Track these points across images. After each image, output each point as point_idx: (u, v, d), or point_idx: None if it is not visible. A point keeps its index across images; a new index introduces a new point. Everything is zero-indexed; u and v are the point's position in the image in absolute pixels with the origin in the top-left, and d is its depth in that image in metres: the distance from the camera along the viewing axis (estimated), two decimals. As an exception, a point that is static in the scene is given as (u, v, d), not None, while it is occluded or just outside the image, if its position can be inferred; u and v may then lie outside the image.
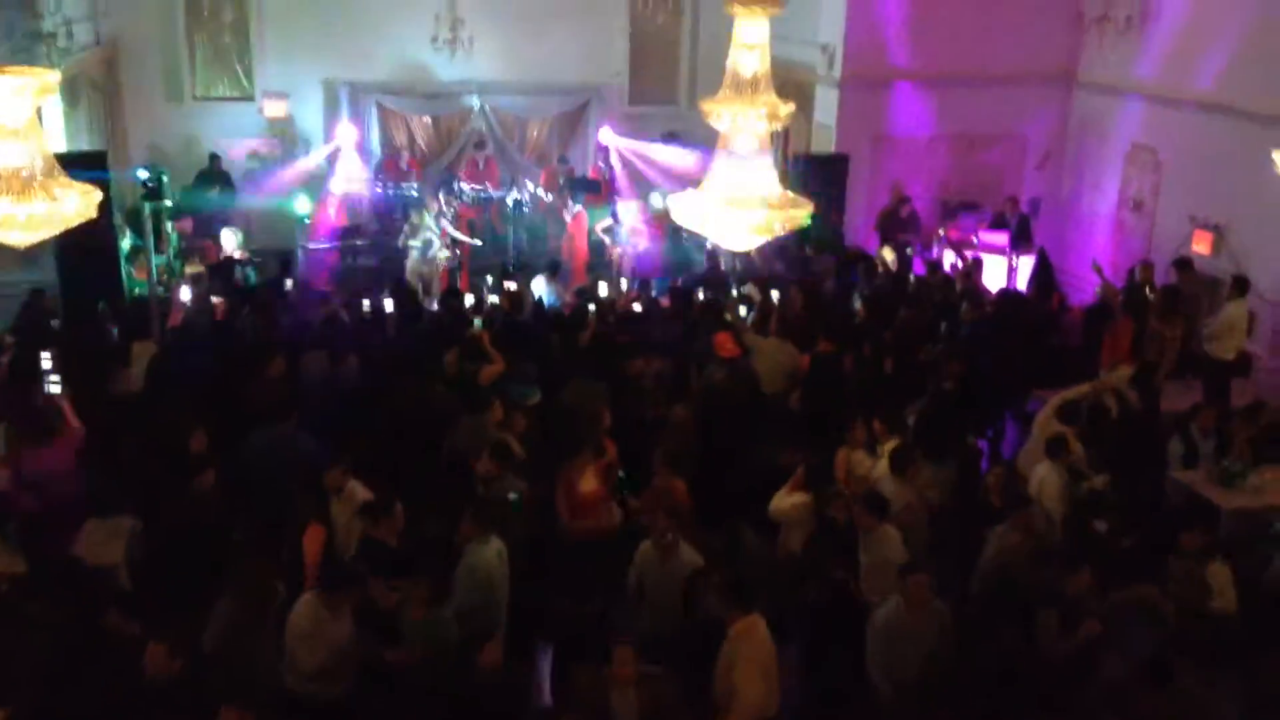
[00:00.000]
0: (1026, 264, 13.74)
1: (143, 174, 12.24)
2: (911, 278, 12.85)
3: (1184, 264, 11.70)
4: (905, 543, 6.80)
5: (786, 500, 7.22)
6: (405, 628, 6.01)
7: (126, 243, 12.64)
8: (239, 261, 12.96)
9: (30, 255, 9.55)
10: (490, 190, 16.05)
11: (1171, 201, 13.33)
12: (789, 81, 15.26)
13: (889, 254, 13.53)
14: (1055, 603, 6.24)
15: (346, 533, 6.78)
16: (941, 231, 14.46)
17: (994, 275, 13.38)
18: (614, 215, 15.06)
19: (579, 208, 15.07)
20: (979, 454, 9.20)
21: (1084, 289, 13.77)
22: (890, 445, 7.74)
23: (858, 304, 11.45)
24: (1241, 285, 10.82)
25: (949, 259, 13.81)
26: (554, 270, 12.82)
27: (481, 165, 16.56)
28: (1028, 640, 6.29)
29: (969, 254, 13.38)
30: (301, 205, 14.89)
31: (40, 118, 5.64)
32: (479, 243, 14.84)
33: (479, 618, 6.35)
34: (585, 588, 7.00)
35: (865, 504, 6.78)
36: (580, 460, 7.56)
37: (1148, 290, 11.58)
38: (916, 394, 9.08)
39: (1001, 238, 14.02)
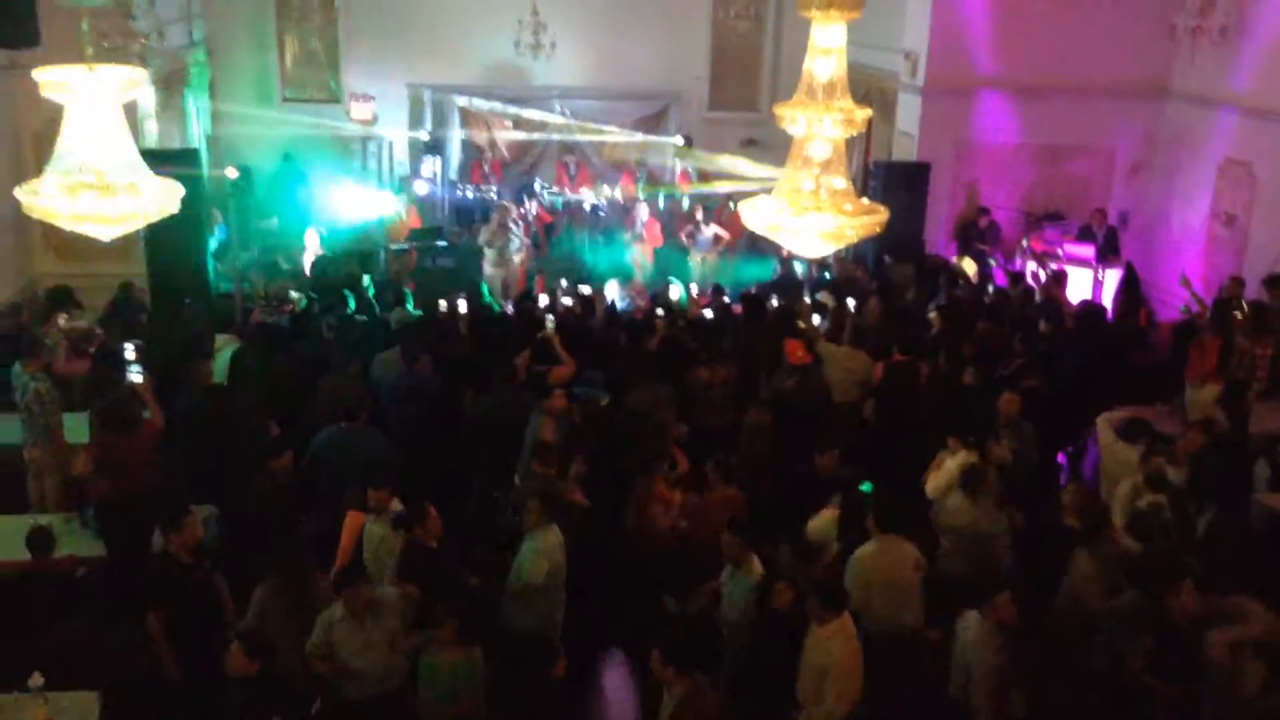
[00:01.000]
0: (1113, 278, 13.39)
1: (233, 172, 12.57)
2: (991, 289, 12.61)
3: (1276, 281, 11.29)
4: (976, 566, 6.64)
5: (819, 521, 7.10)
6: (424, 670, 5.95)
7: (214, 240, 12.97)
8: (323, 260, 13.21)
9: (120, 248, 9.86)
10: (569, 194, 16.16)
11: (1265, 217, 12.87)
12: (871, 88, 15.15)
13: (970, 265, 13.30)
14: (1144, 631, 5.96)
15: (379, 556, 6.70)
16: (1025, 243, 14.17)
17: (1079, 288, 13.06)
18: (694, 220, 15.03)
19: (647, 214, 15.02)
20: (1058, 471, 8.99)
21: (1172, 305, 13.37)
22: (959, 460, 7.54)
23: (932, 314, 11.25)
24: (1338, 304, 10.40)
25: (1033, 271, 13.53)
26: (627, 275, 12.83)
27: (572, 169, 16.67)
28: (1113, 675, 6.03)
29: (1054, 266, 13.09)
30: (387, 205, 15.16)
31: (131, 115, 5.80)
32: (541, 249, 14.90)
33: (544, 604, 6.40)
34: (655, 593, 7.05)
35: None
36: (653, 475, 7.58)
37: (1236, 307, 11.19)
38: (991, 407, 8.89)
39: (1088, 250, 13.69)
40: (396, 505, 6.79)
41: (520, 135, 17.39)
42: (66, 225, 5.49)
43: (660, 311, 10.99)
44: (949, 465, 7.39)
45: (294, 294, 11.69)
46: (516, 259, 14.04)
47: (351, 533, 6.82)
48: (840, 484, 7.33)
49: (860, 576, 6.42)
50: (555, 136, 17.18)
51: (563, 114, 17.22)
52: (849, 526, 6.86)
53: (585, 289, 11.91)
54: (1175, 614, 5.88)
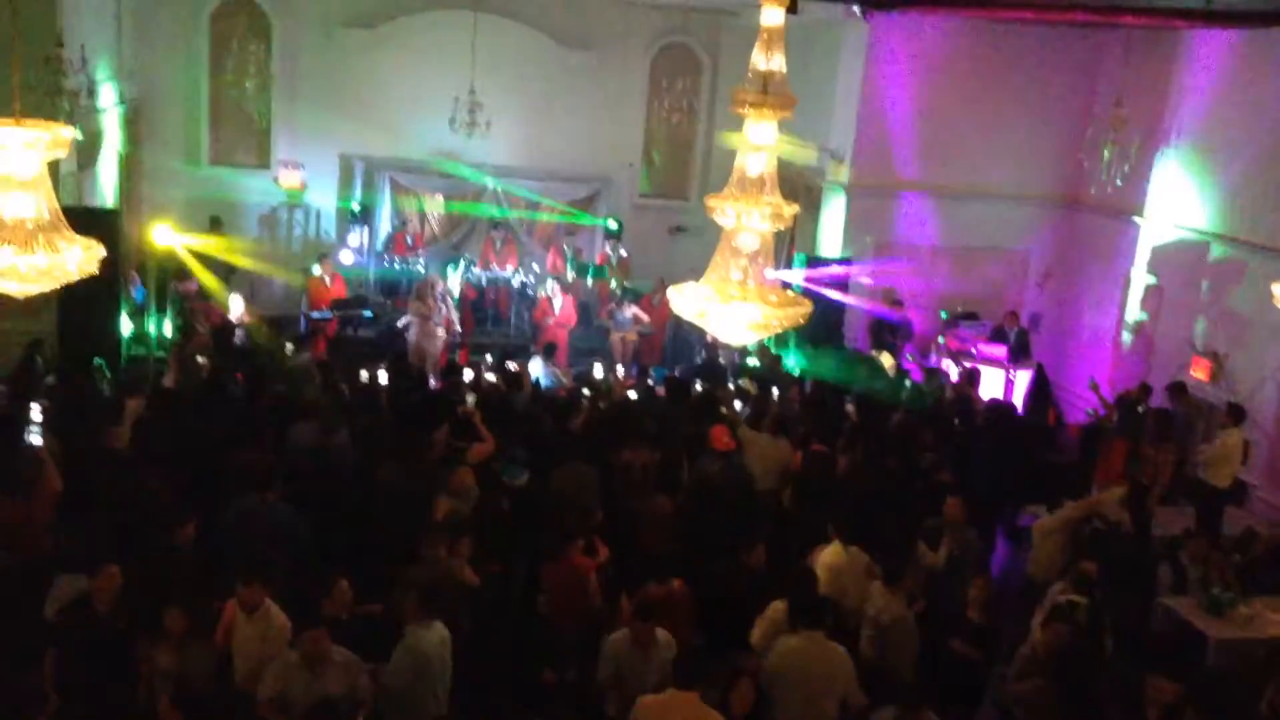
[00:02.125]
0: (1024, 378, 13.77)
1: (160, 233, 12.40)
2: (907, 383, 12.88)
3: (1178, 388, 11.72)
4: (891, 658, 6.65)
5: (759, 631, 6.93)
6: None
7: (131, 301, 12.72)
8: (239, 325, 13.00)
9: (32, 306, 9.58)
10: (498, 270, 16.20)
11: (1171, 327, 13.41)
12: (798, 184, 15.54)
13: (887, 359, 13.58)
14: None
15: (254, 656, 6.20)
16: (941, 340, 14.53)
17: (991, 387, 13.39)
18: (616, 301, 15.14)
19: (560, 293, 15.04)
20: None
21: (1080, 406, 13.78)
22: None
23: (849, 405, 11.43)
24: (1237, 413, 10.81)
25: (947, 368, 13.85)
26: (550, 352, 12.85)
27: (499, 245, 16.74)
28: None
29: (967, 364, 13.43)
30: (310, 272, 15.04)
31: (54, 171, 5.71)
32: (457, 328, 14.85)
33: (411, 706, 6.12)
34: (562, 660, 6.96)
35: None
36: (568, 554, 7.47)
37: (1142, 414, 11.56)
38: (908, 500, 9.02)
39: (1000, 350, 14.07)
40: (274, 610, 6.28)
41: (449, 210, 17.46)
42: (-20, 280, 5.36)
43: (585, 391, 10.99)
44: (770, 613, 6.95)
45: (200, 359, 11.47)
46: (440, 333, 13.94)
47: (224, 628, 6.41)
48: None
49: (777, 668, 6.36)
50: (492, 209, 17.30)
51: (494, 192, 17.34)
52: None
53: (510, 365, 11.89)
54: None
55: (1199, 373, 12.67)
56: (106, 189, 14.29)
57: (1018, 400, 13.42)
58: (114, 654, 6.16)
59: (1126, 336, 14.24)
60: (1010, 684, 6.80)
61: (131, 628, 6.31)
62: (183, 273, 13.77)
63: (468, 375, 11.60)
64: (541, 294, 15.15)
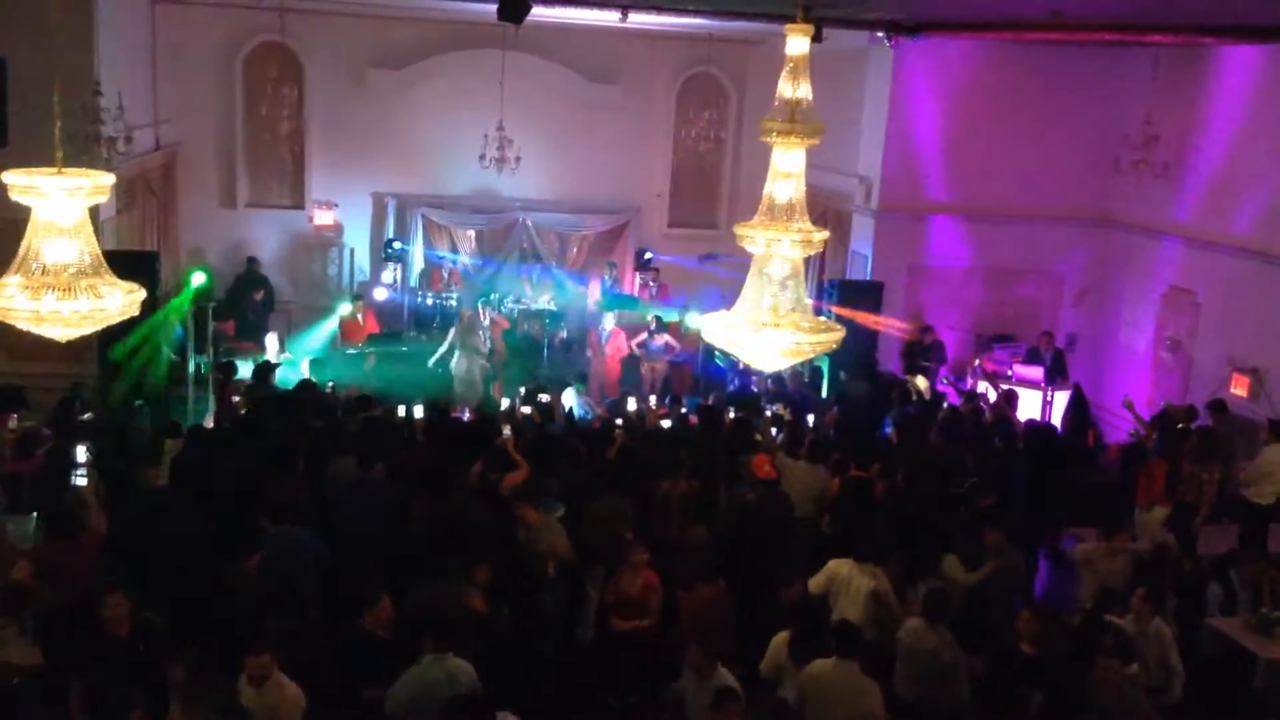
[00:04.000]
0: (1061, 399, 13.64)
1: (199, 277, 12.64)
2: (945, 405, 12.79)
3: (1219, 406, 11.58)
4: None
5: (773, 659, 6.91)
6: None
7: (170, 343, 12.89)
8: (277, 365, 13.14)
9: (72, 349, 9.75)
10: (530, 303, 16.32)
11: (1209, 343, 13.26)
12: (828, 209, 15.55)
13: (922, 382, 13.51)
14: None
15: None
16: (977, 362, 14.43)
17: (1028, 409, 13.29)
18: (649, 331, 15.20)
19: (613, 325, 15.22)
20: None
21: (1119, 426, 13.63)
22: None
23: (889, 430, 11.38)
24: (1279, 429, 10.65)
25: (983, 390, 13.75)
26: (583, 382, 12.90)
27: (535, 278, 16.87)
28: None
29: (1003, 386, 13.33)
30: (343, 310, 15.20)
31: (94, 216, 5.81)
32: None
33: None
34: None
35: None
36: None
37: (1184, 433, 11.42)
38: (949, 524, 8.94)
39: (1036, 372, 13.96)
40: (286, 682, 6.09)
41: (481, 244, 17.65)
42: (26, 325, 5.44)
43: (619, 421, 11.00)
44: (777, 641, 6.94)
45: (235, 398, 11.62)
46: (478, 366, 14.11)
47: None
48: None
49: (812, 694, 6.31)
50: (523, 242, 17.50)
51: (525, 225, 17.50)
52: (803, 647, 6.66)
53: (544, 397, 11.94)
54: None
55: (1239, 389, 12.50)
56: (145, 232, 14.53)
57: (1056, 421, 13.29)
58: (136, 676, 6.18)
59: (1164, 355, 14.09)
60: None
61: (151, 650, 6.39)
62: (221, 313, 13.96)
63: (502, 405, 11.66)
64: (593, 326, 15.28)
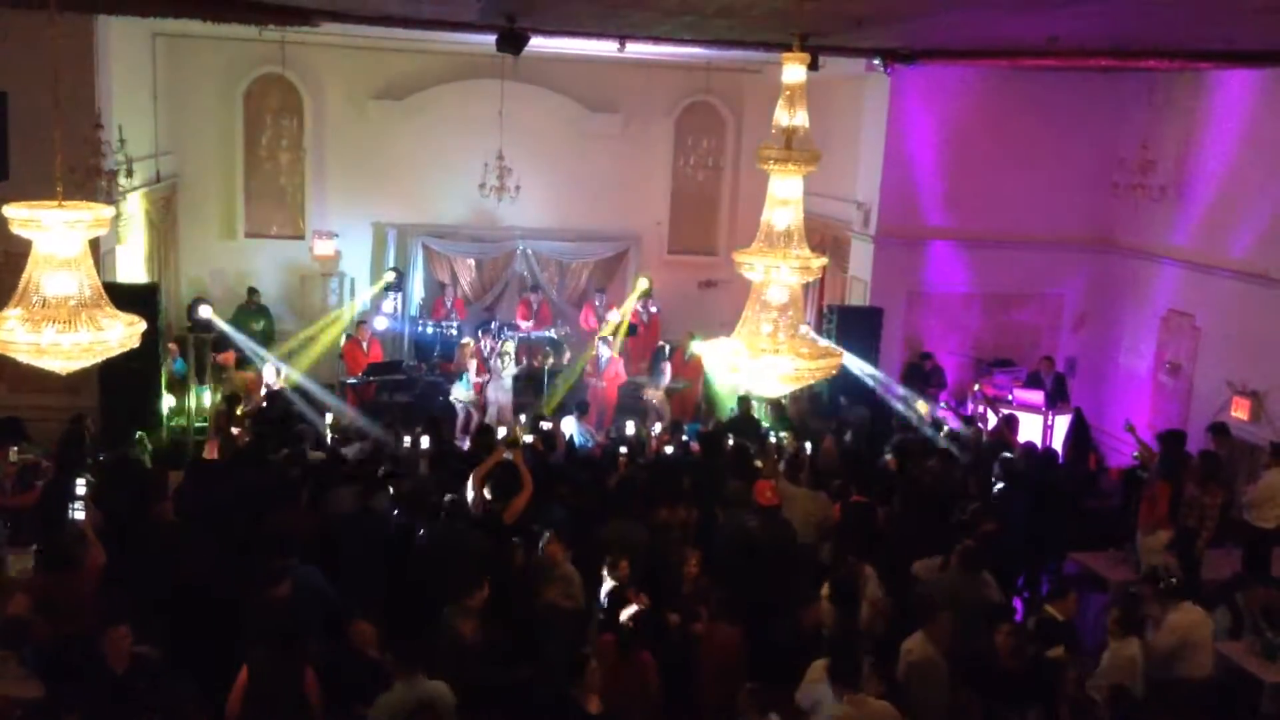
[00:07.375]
0: (1062, 423, 13.63)
1: (205, 309, 12.69)
2: (946, 429, 12.78)
3: (1220, 429, 11.56)
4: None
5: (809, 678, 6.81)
6: None
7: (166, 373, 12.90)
8: (280, 393, 13.16)
9: (72, 382, 9.76)
10: (530, 331, 16.34)
11: (1209, 366, 13.27)
12: (826, 235, 15.59)
13: (923, 406, 13.50)
14: None
15: None
16: (978, 387, 14.43)
17: (1029, 433, 13.27)
18: (653, 359, 15.19)
19: (612, 352, 15.23)
20: (1013, 614, 8.93)
21: (1120, 450, 13.61)
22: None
23: (888, 456, 11.35)
24: (1280, 452, 10.63)
25: (984, 415, 13.74)
26: (584, 410, 12.89)
27: (535, 306, 16.91)
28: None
29: (1003, 411, 13.32)
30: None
31: (94, 248, 5.82)
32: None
33: None
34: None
35: None
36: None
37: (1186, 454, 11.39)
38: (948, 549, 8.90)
39: (1037, 396, 13.95)
40: None
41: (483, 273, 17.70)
42: (26, 358, 5.44)
43: (622, 449, 10.99)
44: (812, 673, 6.85)
45: (235, 430, 11.61)
46: (492, 393, 14.26)
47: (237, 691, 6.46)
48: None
49: None
50: (523, 271, 17.58)
51: (525, 254, 17.54)
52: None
53: (545, 424, 11.92)
54: None
55: (1239, 412, 12.50)
56: (145, 264, 14.57)
57: (1057, 446, 13.28)
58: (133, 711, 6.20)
59: (1164, 379, 14.09)
60: None
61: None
62: (221, 344, 13.97)
63: (501, 434, 11.64)
64: (591, 353, 15.31)
